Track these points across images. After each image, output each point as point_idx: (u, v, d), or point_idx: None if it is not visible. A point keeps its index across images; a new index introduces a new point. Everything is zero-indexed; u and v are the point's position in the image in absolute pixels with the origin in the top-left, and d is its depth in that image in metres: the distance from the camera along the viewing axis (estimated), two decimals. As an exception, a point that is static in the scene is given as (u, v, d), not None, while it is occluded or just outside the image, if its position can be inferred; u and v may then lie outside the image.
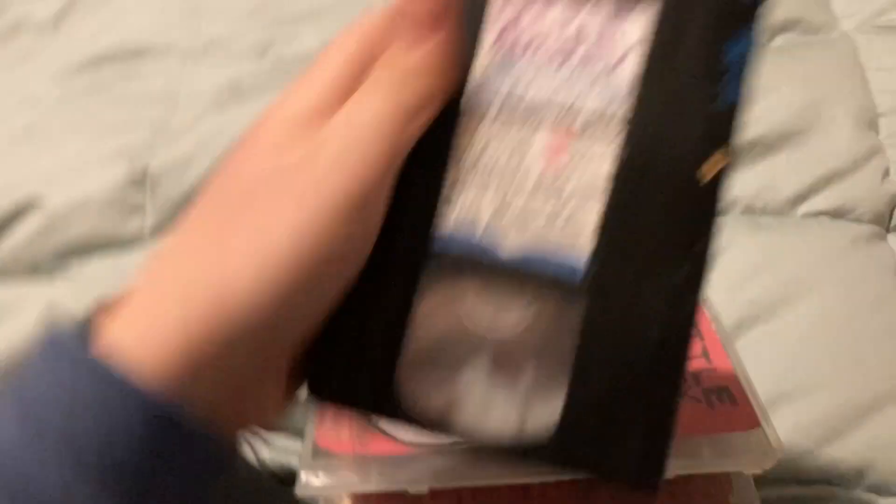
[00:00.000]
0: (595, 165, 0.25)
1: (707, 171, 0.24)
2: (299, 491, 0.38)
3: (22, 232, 0.53)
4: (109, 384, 0.21)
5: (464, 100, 0.25)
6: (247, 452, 0.50)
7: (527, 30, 0.25)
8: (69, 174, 0.55)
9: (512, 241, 0.25)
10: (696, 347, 0.44)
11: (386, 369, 0.26)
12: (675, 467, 0.38)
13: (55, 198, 0.54)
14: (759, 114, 0.61)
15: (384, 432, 0.40)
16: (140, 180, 0.55)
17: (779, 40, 0.69)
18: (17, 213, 0.54)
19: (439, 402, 0.26)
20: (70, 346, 0.22)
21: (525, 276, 0.25)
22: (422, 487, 0.38)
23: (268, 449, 0.52)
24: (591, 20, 0.25)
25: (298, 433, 0.52)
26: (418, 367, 0.26)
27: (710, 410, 0.40)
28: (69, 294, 0.50)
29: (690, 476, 0.39)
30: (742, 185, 0.58)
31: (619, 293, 0.25)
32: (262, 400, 0.25)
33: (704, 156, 0.24)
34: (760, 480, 0.40)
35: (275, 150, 0.23)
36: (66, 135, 0.58)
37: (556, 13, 0.25)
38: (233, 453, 0.25)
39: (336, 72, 0.24)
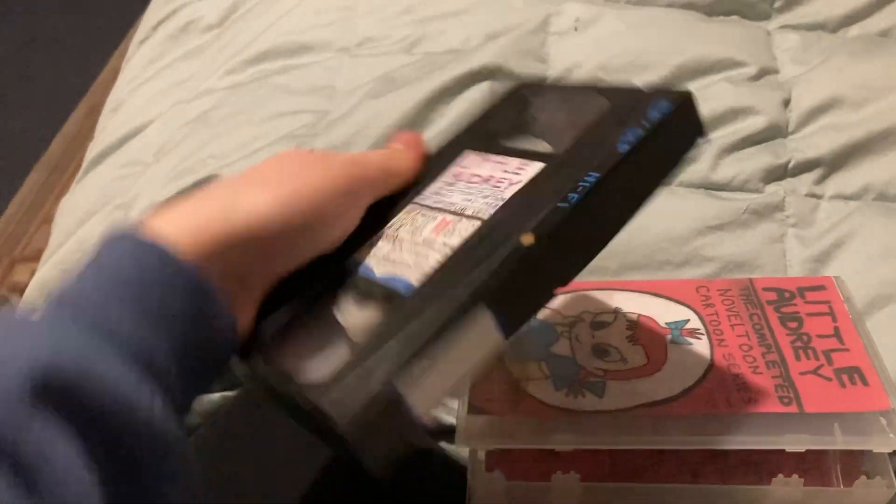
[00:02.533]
0: (457, 235, 0.36)
1: (525, 239, 0.35)
2: (457, 442, 0.42)
3: (201, 207, 0.59)
4: (159, 254, 0.31)
5: (412, 199, 0.39)
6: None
7: (470, 171, 0.40)
8: (242, 154, 0.61)
9: (380, 269, 0.37)
10: (828, 328, 0.46)
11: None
12: (807, 442, 0.40)
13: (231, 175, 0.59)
14: (893, 104, 0.61)
15: (534, 397, 0.44)
16: (305, 163, 0.60)
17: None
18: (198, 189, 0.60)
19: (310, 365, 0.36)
20: (130, 231, 0.32)
21: (376, 284, 0.37)
22: (568, 447, 0.42)
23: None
24: (502, 169, 0.39)
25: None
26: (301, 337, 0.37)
27: (841, 390, 0.42)
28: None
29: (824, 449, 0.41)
30: (875, 173, 0.59)
31: (425, 306, 0.35)
32: (243, 313, 0.35)
33: (524, 230, 0.35)
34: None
35: (308, 152, 0.38)
36: (238, 121, 0.64)
37: (488, 165, 0.40)
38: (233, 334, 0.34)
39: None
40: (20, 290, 0.67)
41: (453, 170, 0.41)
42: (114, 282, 0.30)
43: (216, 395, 0.57)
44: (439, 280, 0.35)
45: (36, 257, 0.72)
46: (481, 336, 0.34)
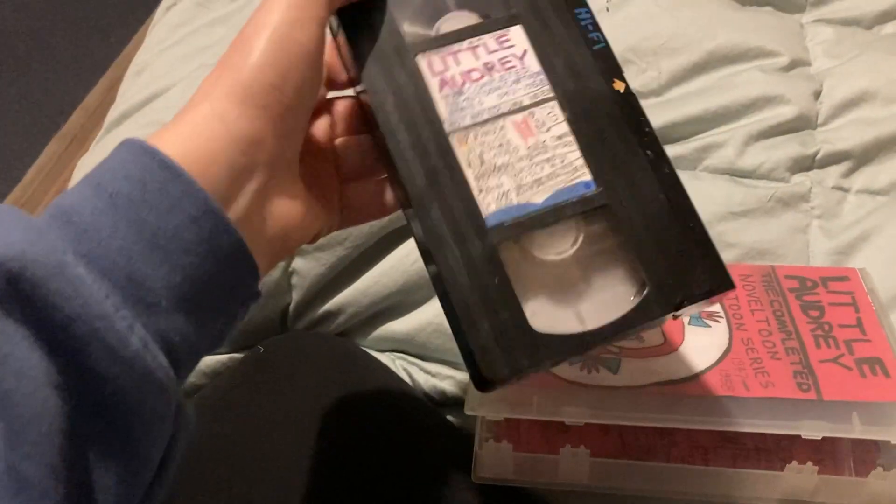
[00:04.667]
0: (552, 122, 0.34)
1: (618, 86, 0.34)
2: (466, 410, 0.41)
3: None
4: (167, 168, 0.27)
5: (447, 130, 0.34)
6: (402, 375, 0.54)
7: (455, 71, 0.34)
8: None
9: (537, 195, 0.33)
10: (851, 318, 0.45)
11: (523, 329, 0.32)
12: (825, 429, 0.39)
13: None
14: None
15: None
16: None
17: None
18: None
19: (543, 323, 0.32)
20: (137, 144, 0.28)
21: (558, 206, 0.33)
22: (579, 420, 0.41)
23: (422, 373, 0.56)
24: (486, 51, 0.35)
25: (451, 361, 0.56)
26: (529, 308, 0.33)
27: (861, 380, 0.41)
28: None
29: (839, 437, 0.40)
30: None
31: (623, 186, 0.33)
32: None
33: (610, 78, 0.34)
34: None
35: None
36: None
37: (466, 55, 0.35)
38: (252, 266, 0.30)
39: None
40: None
41: (434, 80, 0.34)
42: (109, 194, 0.27)
43: (223, 356, 0.57)
44: (610, 161, 0.33)
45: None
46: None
